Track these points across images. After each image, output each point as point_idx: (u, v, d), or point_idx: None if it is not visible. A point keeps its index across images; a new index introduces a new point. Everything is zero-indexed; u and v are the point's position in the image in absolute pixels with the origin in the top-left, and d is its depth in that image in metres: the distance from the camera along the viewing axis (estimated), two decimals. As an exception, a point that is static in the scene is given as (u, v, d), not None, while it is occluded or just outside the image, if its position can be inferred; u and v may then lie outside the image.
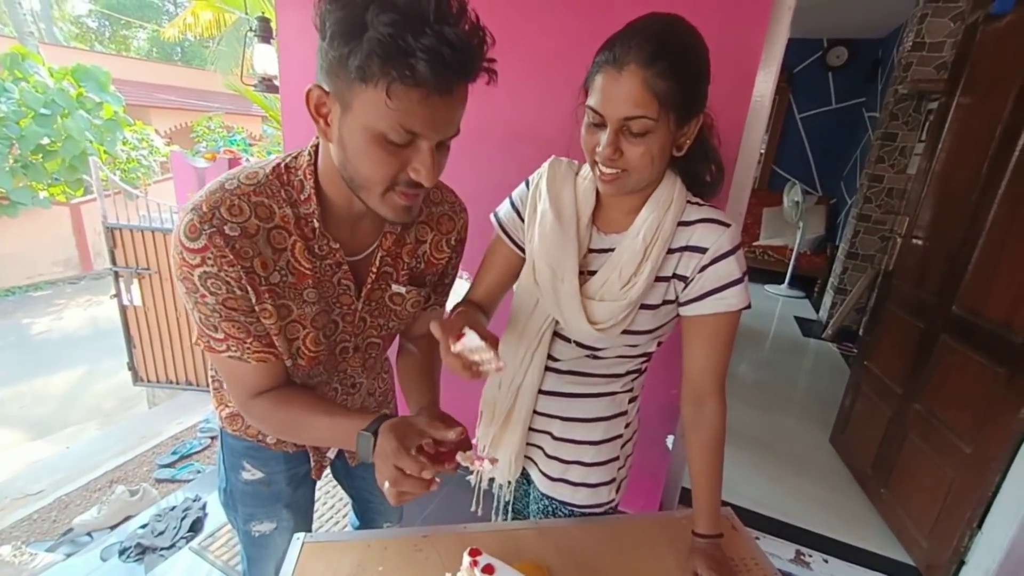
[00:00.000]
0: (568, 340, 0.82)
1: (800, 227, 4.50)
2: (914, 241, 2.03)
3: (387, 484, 0.58)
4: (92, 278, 6.93)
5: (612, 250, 0.77)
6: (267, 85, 3.11)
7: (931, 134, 2.03)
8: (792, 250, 4.67)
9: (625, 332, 0.76)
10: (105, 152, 6.66)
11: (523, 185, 0.86)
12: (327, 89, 0.56)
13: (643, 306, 0.75)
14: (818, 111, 4.95)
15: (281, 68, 1.90)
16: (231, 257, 0.60)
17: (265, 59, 3.03)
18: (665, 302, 0.76)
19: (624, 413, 0.88)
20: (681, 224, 0.74)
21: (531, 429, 0.90)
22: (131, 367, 3.41)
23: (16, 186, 5.99)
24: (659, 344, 0.84)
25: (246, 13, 1.98)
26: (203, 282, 0.60)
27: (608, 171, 0.69)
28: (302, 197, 0.66)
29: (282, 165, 0.66)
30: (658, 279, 0.75)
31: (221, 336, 0.65)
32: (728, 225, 0.72)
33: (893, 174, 3.58)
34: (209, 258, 0.59)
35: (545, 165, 0.84)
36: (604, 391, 0.86)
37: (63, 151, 6.17)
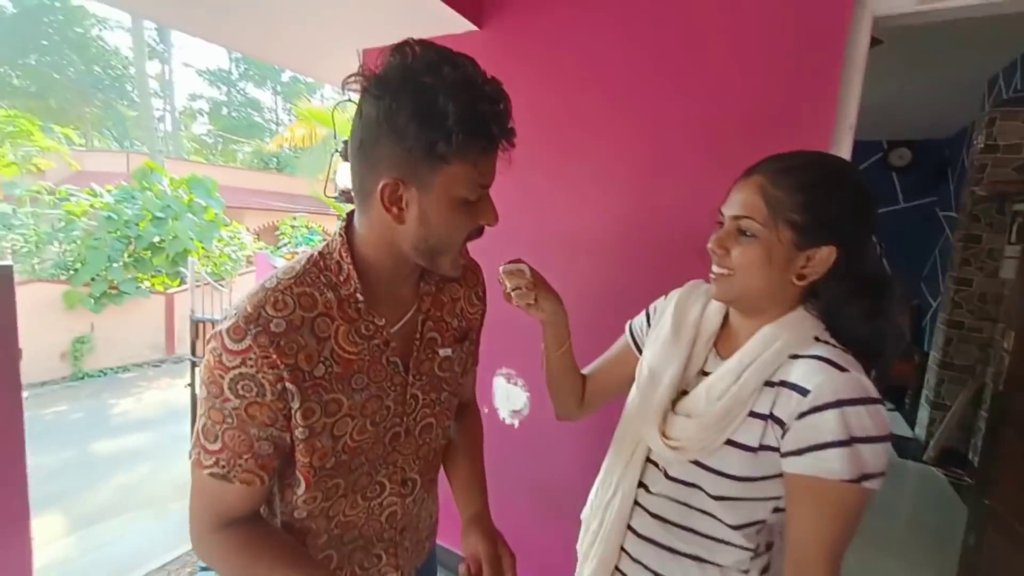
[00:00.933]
0: (657, 466, 0.76)
1: (880, 330, 4.17)
2: (1026, 358, 1.79)
3: None
4: (173, 361, 7.46)
5: None
6: (347, 197, 3.45)
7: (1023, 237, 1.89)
8: (873, 355, 4.29)
9: (703, 467, 0.68)
10: (202, 248, 7.56)
11: (662, 297, 0.89)
12: (399, 178, 0.58)
13: (732, 443, 0.66)
14: (885, 210, 4.78)
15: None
16: (274, 358, 0.58)
17: (346, 175, 3.39)
18: (764, 447, 0.64)
19: None
20: (793, 356, 0.64)
21: (622, 573, 0.80)
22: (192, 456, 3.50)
23: (125, 277, 6.87)
24: (775, 510, 0.69)
25: (335, 133, 2.33)
26: (233, 385, 0.58)
27: (716, 269, 0.69)
28: (341, 278, 0.65)
29: (315, 254, 0.67)
30: (754, 415, 0.65)
31: (217, 448, 0.60)
32: (844, 371, 0.60)
33: (983, 277, 3.30)
34: (250, 359, 0.57)
35: (687, 285, 0.85)
36: (708, 558, 0.71)
37: (169, 248, 7.14)
